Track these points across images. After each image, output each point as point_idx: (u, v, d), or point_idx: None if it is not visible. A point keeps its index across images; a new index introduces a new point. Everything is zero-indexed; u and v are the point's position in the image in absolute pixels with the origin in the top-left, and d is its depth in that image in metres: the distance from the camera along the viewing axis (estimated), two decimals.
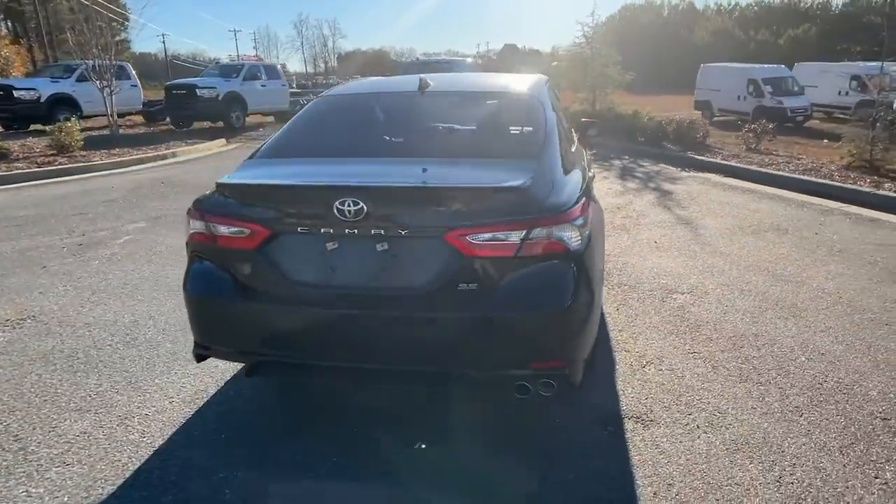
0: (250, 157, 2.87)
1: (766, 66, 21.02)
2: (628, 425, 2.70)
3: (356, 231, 2.28)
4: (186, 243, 2.62)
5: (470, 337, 2.29)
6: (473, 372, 2.37)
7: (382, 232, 2.28)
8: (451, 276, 2.27)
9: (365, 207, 2.23)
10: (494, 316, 2.26)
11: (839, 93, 21.23)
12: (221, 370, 3.17)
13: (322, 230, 2.31)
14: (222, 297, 2.46)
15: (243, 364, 2.72)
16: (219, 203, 2.48)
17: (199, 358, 2.63)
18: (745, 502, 2.21)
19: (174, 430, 2.69)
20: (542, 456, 2.50)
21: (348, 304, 2.34)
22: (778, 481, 2.32)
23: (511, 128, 3.05)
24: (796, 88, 19.59)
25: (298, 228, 2.35)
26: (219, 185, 2.49)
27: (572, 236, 2.30)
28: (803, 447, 2.52)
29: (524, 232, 2.23)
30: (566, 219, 2.29)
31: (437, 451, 2.54)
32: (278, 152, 2.93)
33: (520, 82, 3.50)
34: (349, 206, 2.23)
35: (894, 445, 2.53)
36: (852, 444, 2.54)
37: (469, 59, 16.85)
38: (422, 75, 3.32)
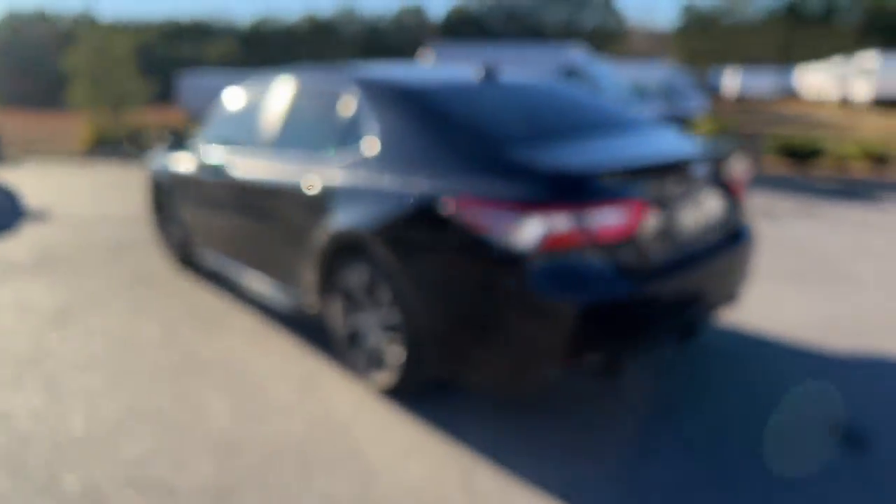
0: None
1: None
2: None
3: (703, 192, 2.67)
4: (527, 253, 2.17)
5: (740, 266, 2.95)
6: (739, 295, 3.01)
7: (716, 189, 2.78)
8: (734, 218, 2.94)
9: (709, 171, 2.68)
10: (753, 245, 3.05)
11: None
12: None
13: (685, 196, 2.56)
14: (617, 294, 2.26)
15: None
16: (601, 188, 2.22)
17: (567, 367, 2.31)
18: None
19: None
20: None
21: (702, 262, 2.61)
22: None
23: (607, 101, 3.54)
24: None
25: (673, 199, 2.49)
26: (598, 174, 2.27)
27: None
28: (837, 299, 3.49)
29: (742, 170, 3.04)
30: None
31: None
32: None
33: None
34: (703, 171, 2.63)
35: None
36: None
37: None
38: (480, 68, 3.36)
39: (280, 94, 3.60)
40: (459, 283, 2.37)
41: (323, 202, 2.96)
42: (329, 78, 3.33)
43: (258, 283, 3.73)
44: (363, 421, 2.72)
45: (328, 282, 3.05)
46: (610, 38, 56.48)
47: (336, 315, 3.08)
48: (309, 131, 3.35)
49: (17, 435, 2.61)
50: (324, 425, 2.68)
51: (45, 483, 2.29)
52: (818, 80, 32.04)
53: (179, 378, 3.12)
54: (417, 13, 67.27)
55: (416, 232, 2.51)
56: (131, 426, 2.67)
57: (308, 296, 3.23)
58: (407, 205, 2.52)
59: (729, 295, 2.93)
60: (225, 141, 4.05)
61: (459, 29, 73.02)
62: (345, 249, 2.88)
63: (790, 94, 35.04)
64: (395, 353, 2.74)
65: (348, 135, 2.99)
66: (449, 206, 2.34)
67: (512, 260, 2.18)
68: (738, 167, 2.98)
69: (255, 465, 2.40)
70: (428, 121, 2.70)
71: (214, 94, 20.26)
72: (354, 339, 3.04)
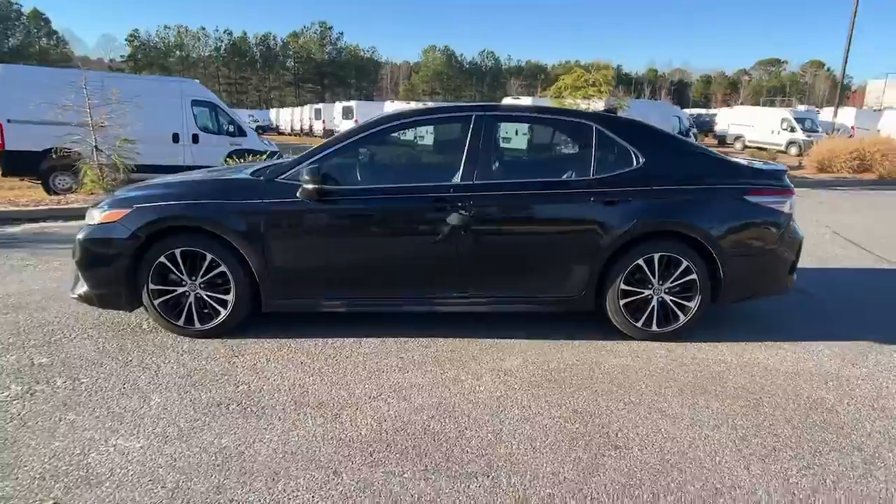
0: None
1: None
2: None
3: None
4: (789, 214, 4.03)
5: None
6: None
7: None
8: None
9: None
10: None
11: None
12: None
13: None
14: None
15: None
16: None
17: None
18: None
19: None
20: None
21: None
22: None
23: None
24: None
25: None
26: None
27: None
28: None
29: None
30: None
31: None
32: None
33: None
34: None
35: None
36: None
37: None
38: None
39: (493, 129, 3.95)
40: (762, 236, 3.96)
41: (603, 211, 3.79)
42: (559, 119, 4.43)
43: (485, 301, 3.93)
44: (702, 358, 3.77)
45: (606, 272, 3.87)
46: (49, 61, 49.78)
47: (617, 294, 3.90)
48: (546, 160, 4.81)
49: None
50: (690, 367, 3.66)
51: None
52: (291, 118, 41.53)
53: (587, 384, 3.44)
54: None
55: (730, 212, 3.90)
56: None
57: (576, 288, 3.89)
58: (721, 199, 3.88)
59: None
60: (402, 176, 4.55)
61: None
62: (634, 241, 3.81)
63: (272, 129, 41.58)
64: (684, 305, 3.94)
65: (604, 160, 3.94)
66: (754, 195, 3.93)
67: (786, 218, 3.98)
68: None
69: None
70: (682, 146, 4.27)
71: None
72: (634, 306, 3.95)
